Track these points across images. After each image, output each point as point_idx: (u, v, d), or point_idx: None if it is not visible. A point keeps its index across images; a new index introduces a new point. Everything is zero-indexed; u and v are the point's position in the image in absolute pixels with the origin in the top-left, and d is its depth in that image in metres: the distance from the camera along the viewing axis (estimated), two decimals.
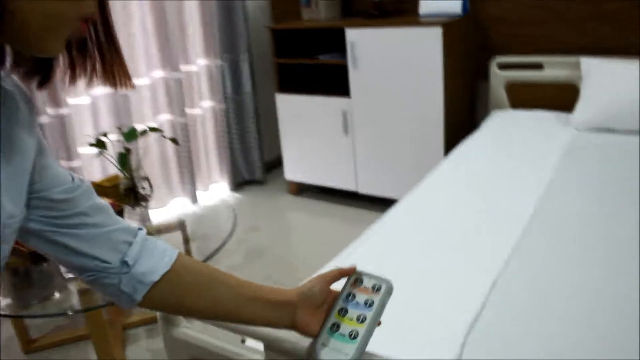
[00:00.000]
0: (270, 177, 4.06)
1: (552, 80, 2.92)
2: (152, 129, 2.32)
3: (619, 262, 1.45)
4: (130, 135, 2.20)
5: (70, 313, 1.89)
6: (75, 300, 1.92)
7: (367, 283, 0.86)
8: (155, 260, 0.77)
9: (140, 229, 0.79)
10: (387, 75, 2.99)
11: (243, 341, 1.21)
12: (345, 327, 0.82)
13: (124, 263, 0.75)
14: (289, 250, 3.02)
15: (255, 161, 3.88)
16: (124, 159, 2.13)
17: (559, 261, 1.48)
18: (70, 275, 2.03)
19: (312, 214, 3.41)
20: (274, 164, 4.14)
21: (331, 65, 3.31)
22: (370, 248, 1.69)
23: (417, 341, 1.19)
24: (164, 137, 2.72)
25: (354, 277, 0.87)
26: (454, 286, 1.42)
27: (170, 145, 3.34)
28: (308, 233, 3.20)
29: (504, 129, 2.74)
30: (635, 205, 1.76)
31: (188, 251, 2.19)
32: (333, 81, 3.35)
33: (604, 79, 2.61)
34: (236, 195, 3.79)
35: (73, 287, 1.95)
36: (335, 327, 0.82)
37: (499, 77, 3.06)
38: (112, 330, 2.24)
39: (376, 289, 0.85)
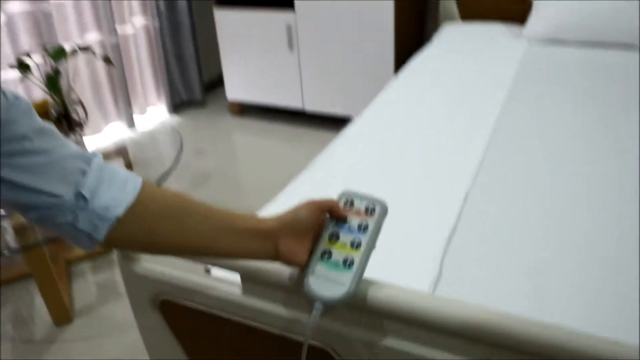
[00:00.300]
0: (210, 98, 3.87)
1: None
2: (82, 49, 2.10)
3: (582, 168, 1.44)
4: (58, 54, 1.98)
5: (6, 253, 1.74)
6: (10, 238, 1.77)
7: (359, 205, 0.77)
8: (117, 190, 0.65)
9: (95, 155, 0.66)
10: None
11: (208, 271, 1.12)
12: (338, 254, 0.73)
13: (80, 196, 0.62)
14: (235, 174, 2.90)
15: (193, 81, 3.67)
16: (53, 82, 1.92)
17: (525, 173, 1.46)
18: (2, 212, 1.87)
19: (257, 135, 3.28)
20: (214, 84, 3.94)
21: None
22: (330, 170, 1.60)
23: (394, 261, 1.13)
24: (96, 56, 2.48)
25: (343, 198, 0.78)
26: (424, 204, 1.37)
27: (101, 67, 3.08)
28: (254, 155, 3.08)
29: (455, 42, 2.66)
30: (593, 114, 1.76)
31: None
32: None
33: None
34: (175, 117, 3.59)
35: (7, 225, 1.80)
36: (327, 254, 0.74)
37: None
38: (56, 266, 2.10)
39: (370, 211, 0.76)
